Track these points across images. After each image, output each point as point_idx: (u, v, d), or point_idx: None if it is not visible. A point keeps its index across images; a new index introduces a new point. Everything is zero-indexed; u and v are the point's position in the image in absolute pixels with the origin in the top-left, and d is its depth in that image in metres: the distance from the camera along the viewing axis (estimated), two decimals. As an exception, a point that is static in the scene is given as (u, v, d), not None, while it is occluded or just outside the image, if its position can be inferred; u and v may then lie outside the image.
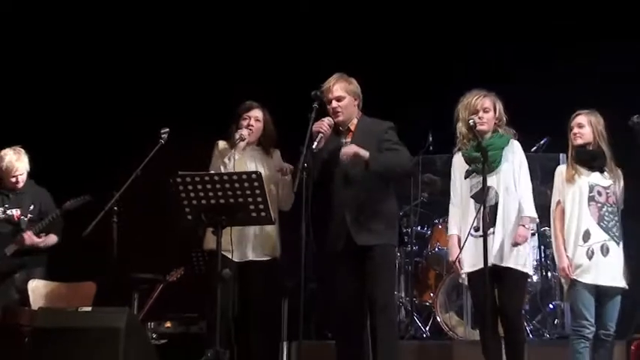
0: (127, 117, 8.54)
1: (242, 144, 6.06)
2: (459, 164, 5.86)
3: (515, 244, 5.63)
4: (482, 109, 5.76)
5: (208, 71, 8.70)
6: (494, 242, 5.59)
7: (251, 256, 6.00)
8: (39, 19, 8.97)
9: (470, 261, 5.66)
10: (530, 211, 5.75)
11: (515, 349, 5.66)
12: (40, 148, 7.20)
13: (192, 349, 6.00)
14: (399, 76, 8.26)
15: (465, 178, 5.78)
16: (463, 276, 5.78)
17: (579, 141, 5.90)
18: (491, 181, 5.63)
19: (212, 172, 5.86)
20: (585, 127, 5.90)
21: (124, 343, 5.12)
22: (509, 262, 5.62)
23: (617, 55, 7.81)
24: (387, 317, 5.61)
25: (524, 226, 5.70)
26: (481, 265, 5.52)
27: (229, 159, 6.04)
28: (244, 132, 6.08)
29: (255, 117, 6.18)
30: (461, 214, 5.80)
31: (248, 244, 6.00)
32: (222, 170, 5.97)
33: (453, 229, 5.84)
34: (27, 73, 8.94)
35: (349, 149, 5.54)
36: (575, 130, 5.91)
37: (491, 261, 5.51)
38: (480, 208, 5.59)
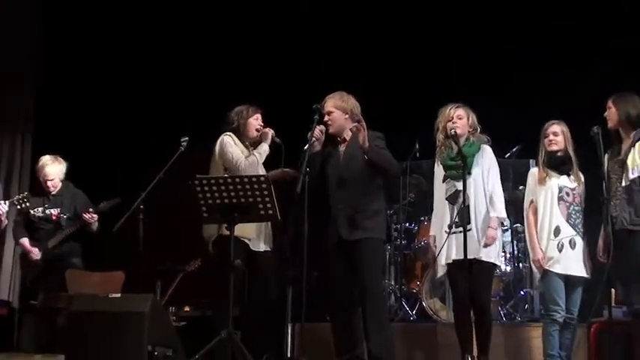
0: (150, 129, 8.66)
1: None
2: (438, 172, 6.02)
3: (486, 246, 5.77)
4: (456, 117, 5.92)
5: (222, 89, 8.71)
6: (470, 238, 5.69)
7: (263, 247, 6.08)
8: (77, 37, 9.19)
9: (447, 255, 5.80)
10: (500, 211, 5.89)
11: (486, 330, 5.82)
12: (77, 156, 7.37)
13: (208, 330, 5.96)
14: (389, 92, 8.31)
15: (442, 182, 5.94)
16: (441, 272, 5.90)
17: (554, 147, 6.04)
18: (462, 186, 5.76)
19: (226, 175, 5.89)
20: (559, 135, 6.03)
21: (148, 325, 5.15)
22: (483, 256, 5.77)
23: (578, 73, 7.88)
24: (375, 300, 5.72)
25: (492, 227, 5.81)
26: (455, 258, 5.73)
27: (260, 154, 6.07)
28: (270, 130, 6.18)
29: (261, 120, 6.26)
30: (439, 216, 5.95)
31: (261, 236, 6.08)
32: (258, 159, 6.00)
33: (431, 230, 6.04)
34: (70, 94, 9.14)
35: (362, 134, 5.61)
36: (551, 137, 6.03)
37: (463, 255, 5.65)
38: (453, 209, 5.78)
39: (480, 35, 8.36)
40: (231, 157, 5.99)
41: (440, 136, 5.97)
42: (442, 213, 5.91)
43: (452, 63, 8.41)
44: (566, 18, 8.14)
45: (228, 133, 6.12)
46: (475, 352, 5.77)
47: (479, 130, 6.00)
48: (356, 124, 5.71)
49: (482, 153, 5.93)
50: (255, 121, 6.18)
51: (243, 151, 6.06)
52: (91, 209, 6.93)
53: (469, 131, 5.96)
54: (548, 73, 8.03)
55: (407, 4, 8.60)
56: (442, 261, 5.81)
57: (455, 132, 5.82)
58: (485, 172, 5.89)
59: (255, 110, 6.21)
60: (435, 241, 5.98)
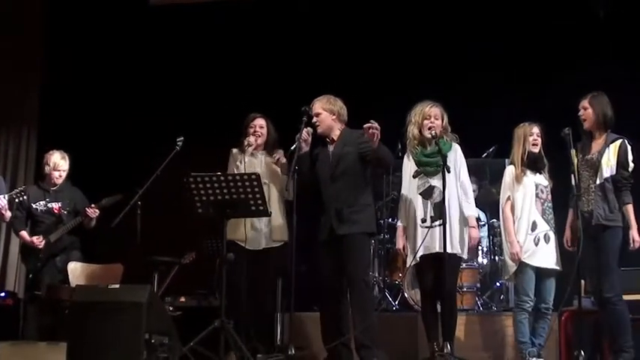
0: (148, 127, 8.61)
1: (250, 148, 6.29)
2: (408, 165, 6.03)
3: (472, 247, 5.86)
4: (434, 116, 5.93)
5: (220, 89, 8.76)
6: (443, 232, 5.68)
7: (264, 244, 6.20)
8: (81, 35, 9.17)
9: (419, 249, 5.81)
10: (474, 209, 5.97)
11: (452, 318, 5.85)
12: (81, 152, 7.38)
13: (203, 319, 5.92)
14: (371, 94, 8.29)
15: (414, 178, 5.94)
16: (413, 262, 5.90)
17: (537, 149, 6.10)
18: (436, 181, 5.80)
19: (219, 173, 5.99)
20: (540, 136, 6.10)
21: (145, 314, 5.15)
22: (454, 249, 5.79)
23: (555, 78, 7.94)
24: (362, 291, 5.75)
25: (473, 226, 5.86)
26: (429, 251, 5.74)
27: (240, 162, 6.23)
28: (251, 139, 6.31)
29: (260, 125, 6.39)
30: (409, 209, 5.95)
31: (261, 234, 6.17)
32: (236, 172, 6.12)
33: (402, 220, 6.03)
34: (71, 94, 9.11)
35: (376, 132, 5.55)
36: (535, 137, 6.09)
37: (436, 249, 5.72)
38: (427, 204, 5.79)
39: (458, 38, 8.38)
40: None
41: (415, 131, 5.98)
42: (414, 207, 5.91)
43: (431, 66, 8.40)
44: (539, 22, 8.19)
45: (233, 148, 6.39)
46: (440, 339, 5.79)
47: (449, 129, 6.01)
48: (370, 125, 5.57)
49: (453, 152, 5.95)
50: (251, 130, 6.37)
51: (242, 161, 6.22)
52: (93, 205, 6.92)
53: (441, 130, 5.96)
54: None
55: (379, 10, 8.60)
56: (419, 252, 5.82)
57: (435, 133, 5.83)
58: (457, 171, 5.92)
59: (250, 120, 6.43)
60: (404, 232, 5.98)
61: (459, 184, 5.91)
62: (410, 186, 5.98)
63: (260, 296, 6.21)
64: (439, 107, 5.98)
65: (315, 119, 5.92)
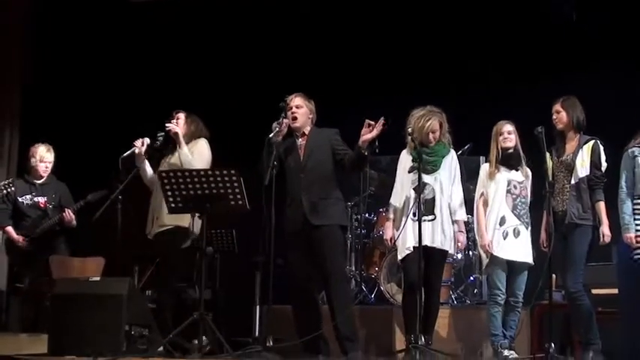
0: (131, 122, 8.57)
1: (142, 149, 6.38)
2: (405, 160, 6.10)
3: (459, 249, 6.00)
4: (431, 132, 6.00)
5: (200, 87, 8.75)
6: (432, 227, 5.84)
7: (156, 230, 6.22)
8: (64, 30, 9.13)
9: (410, 240, 5.89)
10: (464, 214, 6.08)
11: (435, 311, 5.99)
12: (64, 147, 7.42)
13: (182, 312, 6.00)
14: (348, 92, 8.36)
15: (409, 172, 6.01)
16: (402, 255, 5.95)
17: (509, 144, 6.18)
18: (430, 179, 5.92)
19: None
20: (512, 133, 6.17)
21: (125, 306, 5.23)
22: (443, 245, 5.91)
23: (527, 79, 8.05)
24: (340, 282, 5.77)
25: (462, 231, 6.00)
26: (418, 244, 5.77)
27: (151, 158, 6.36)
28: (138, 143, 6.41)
29: (177, 118, 6.41)
30: (402, 202, 6.02)
31: (155, 220, 6.23)
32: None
33: (391, 213, 6.10)
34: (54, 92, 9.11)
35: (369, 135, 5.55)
36: (506, 135, 6.18)
37: (426, 242, 5.80)
38: (418, 198, 5.81)
39: (435, 36, 8.41)
40: None
41: (412, 144, 6.00)
42: (407, 201, 5.98)
43: (410, 64, 8.42)
44: (518, 24, 8.23)
45: None
46: (418, 332, 5.77)
47: (447, 130, 6.08)
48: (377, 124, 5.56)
49: (451, 158, 6.07)
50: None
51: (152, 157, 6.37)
52: (69, 210, 6.93)
53: (440, 134, 6.06)
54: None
55: (355, 10, 8.62)
56: (407, 243, 5.89)
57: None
58: (452, 178, 6.04)
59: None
60: (393, 224, 6.05)
61: (452, 189, 6.01)
62: (404, 180, 6.05)
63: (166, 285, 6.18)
64: (437, 118, 6.02)
65: (294, 110, 5.88)
